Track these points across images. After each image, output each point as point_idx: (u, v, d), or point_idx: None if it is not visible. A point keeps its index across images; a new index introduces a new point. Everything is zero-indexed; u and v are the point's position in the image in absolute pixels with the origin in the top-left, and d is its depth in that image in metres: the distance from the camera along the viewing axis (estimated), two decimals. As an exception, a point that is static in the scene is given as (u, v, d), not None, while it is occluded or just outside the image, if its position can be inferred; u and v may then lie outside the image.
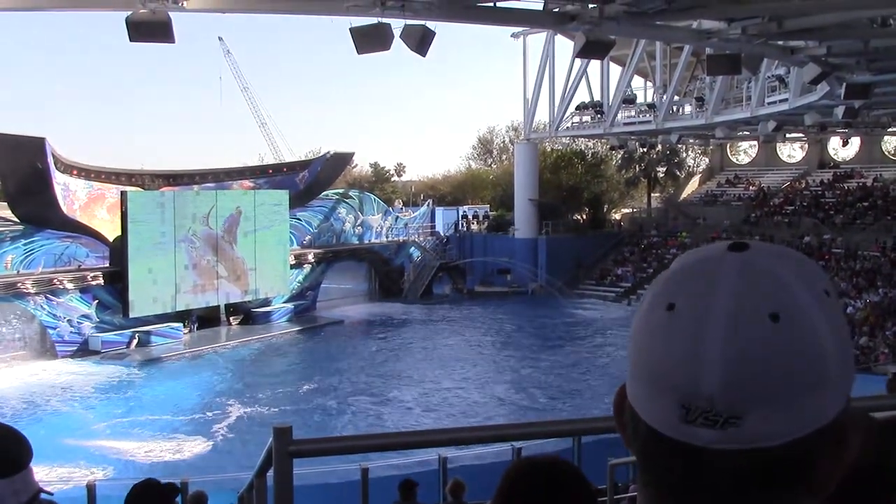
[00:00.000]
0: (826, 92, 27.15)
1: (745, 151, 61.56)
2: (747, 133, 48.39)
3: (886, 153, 54.18)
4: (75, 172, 33.71)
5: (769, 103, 35.53)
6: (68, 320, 31.90)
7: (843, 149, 53.45)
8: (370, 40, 16.53)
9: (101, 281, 32.68)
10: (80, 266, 32.86)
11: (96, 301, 32.74)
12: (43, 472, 17.50)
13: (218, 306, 37.56)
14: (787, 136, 49.23)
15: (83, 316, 32.37)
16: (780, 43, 21.00)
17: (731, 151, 61.14)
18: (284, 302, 40.38)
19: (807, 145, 56.30)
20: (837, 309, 0.81)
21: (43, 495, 2.29)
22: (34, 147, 30.75)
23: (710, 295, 0.78)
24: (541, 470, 1.80)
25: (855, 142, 52.27)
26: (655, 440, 0.80)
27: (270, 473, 2.20)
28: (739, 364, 0.75)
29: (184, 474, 13.04)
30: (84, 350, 32.07)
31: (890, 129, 47.34)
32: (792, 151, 58.73)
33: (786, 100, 33.25)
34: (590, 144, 63.04)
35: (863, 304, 33.90)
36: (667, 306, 0.80)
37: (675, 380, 0.77)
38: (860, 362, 27.78)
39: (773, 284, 0.78)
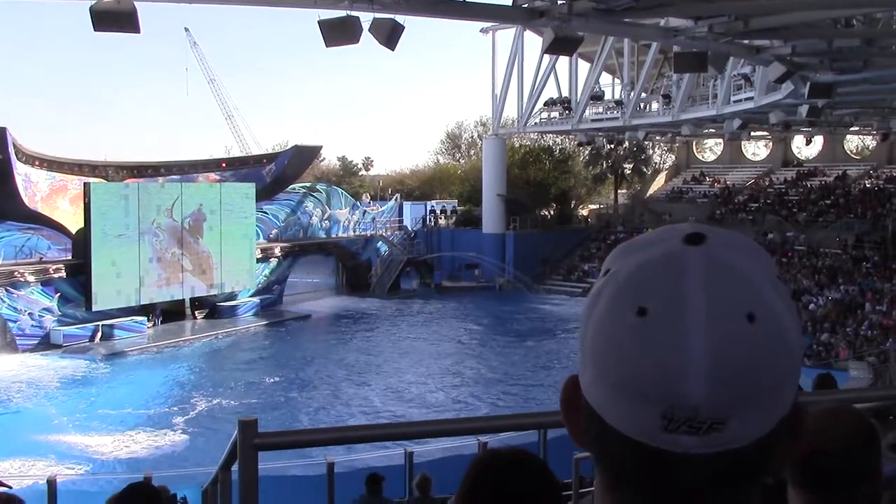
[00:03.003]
0: (790, 91, 27.45)
1: (711, 149, 62.28)
2: (713, 131, 48.82)
3: (848, 152, 55.10)
4: (37, 163, 33.13)
5: (735, 101, 35.84)
6: (29, 313, 31.38)
7: (806, 147, 54.13)
8: (339, 33, 16.42)
9: (63, 273, 32.22)
10: (41, 258, 32.34)
11: (58, 294, 32.26)
12: (2, 467, 17.25)
13: (183, 300, 37.23)
14: (752, 134, 49.79)
15: (45, 309, 31.87)
16: (746, 42, 21.18)
17: (696, 149, 61.78)
18: (250, 296, 40.09)
19: (771, 143, 57.05)
20: (789, 293, 0.81)
21: (1, 489, 2.26)
22: (-5, 137, 30.20)
23: (681, 298, 0.75)
24: (505, 462, 1.80)
25: (818, 140, 52.95)
26: (629, 448, 0.79)
27: (235, 467, 2.18)
28: (723, 370, 0.73)
29: (148, 468, 12.93)
30: (46, 343, 31.56)
31: (852, 129, 48.03)
32: (756, 149, 59.50)
33: (751, 98, 33.56)
34: (558, 140, 63.28)
35: (824, 301, 34.43)
36: (636, 311, 0.76)
37: (656, 391, 0.75)
38: (822, 358, 28.21)
39: (742, 282, 0.76)
